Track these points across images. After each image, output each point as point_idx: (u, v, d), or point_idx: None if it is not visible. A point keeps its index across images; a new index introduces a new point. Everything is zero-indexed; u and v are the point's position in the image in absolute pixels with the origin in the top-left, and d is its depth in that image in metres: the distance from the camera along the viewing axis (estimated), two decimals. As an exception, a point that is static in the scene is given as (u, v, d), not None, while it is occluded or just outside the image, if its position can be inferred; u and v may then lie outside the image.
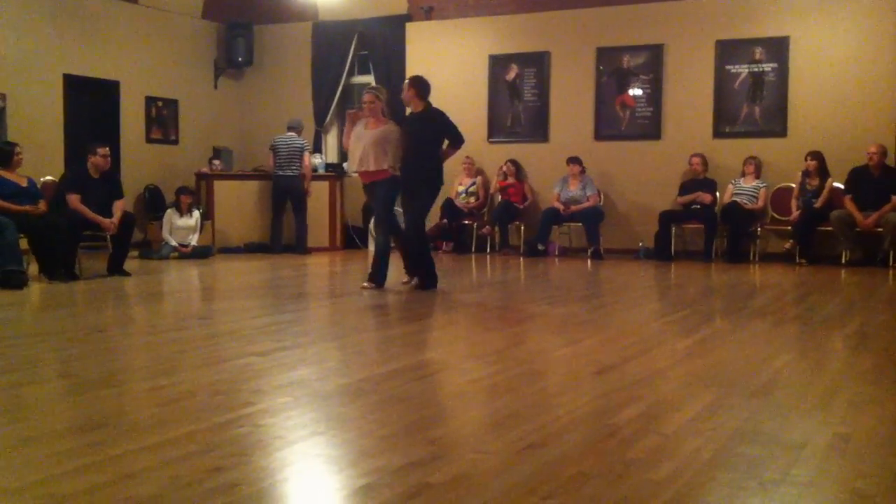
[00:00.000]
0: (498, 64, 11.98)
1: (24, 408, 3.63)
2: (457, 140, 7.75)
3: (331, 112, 13.02)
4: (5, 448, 3.00)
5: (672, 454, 2.91)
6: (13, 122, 10.39)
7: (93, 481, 2.62)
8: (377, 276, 7.61)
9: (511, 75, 11.94)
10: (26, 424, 3.34)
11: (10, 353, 4.79)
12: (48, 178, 9.31)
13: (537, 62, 11.77)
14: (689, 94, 11.05)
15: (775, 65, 10.64)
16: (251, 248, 11.66)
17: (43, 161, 10.11)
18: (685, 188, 10.76)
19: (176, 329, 5.82)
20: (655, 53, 11.17)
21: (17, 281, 7.39)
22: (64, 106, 11.09)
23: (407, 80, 7.89)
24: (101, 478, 2.65)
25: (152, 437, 3.09)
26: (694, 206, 10.62)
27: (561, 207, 11.03)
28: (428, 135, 7.59)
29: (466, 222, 11.77)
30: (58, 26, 10.97)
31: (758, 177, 10.56)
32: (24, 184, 8.22)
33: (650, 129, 11.26)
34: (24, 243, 7.89)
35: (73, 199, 8.30)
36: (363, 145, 7.46)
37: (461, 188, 11.79)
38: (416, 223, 7.66)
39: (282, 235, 11.58)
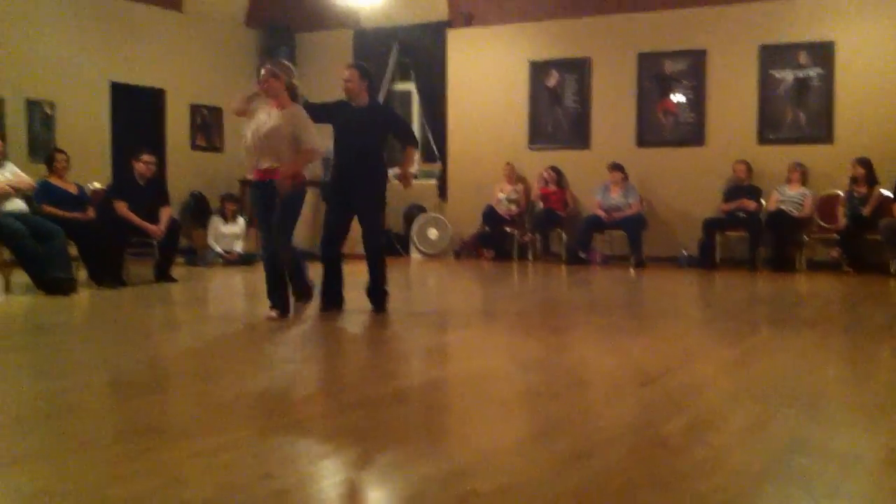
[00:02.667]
0: (538, 70, 11.97)
1: (74, 413, 3.68)
2: (410, 139, 6.73)
3: (372, 119, 13.08)
4: (56, 453, 3.05)
5: (721, 466, 2.88)
6: (61, 130, 10.59)
7: (143, 486, 2.66)
8: (284, 301, 6.16)
9: (552, 81, 11.92)
10: (76, 429, 3.39)
11: (59, 358, 4.88)
12: (96, 184, 9.47)
13: (578, 68, 11.74)
14: (733, 99, 10.95)
15: (820, 70, 10.50)
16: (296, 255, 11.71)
17: (90, 168, 10.28)
18: (729, 195, 10.65)
19: (222, 335, 5.88)
20: (698, 59, 11.08)
21: (66, 287, 7.52)
22: (111, 113, 11.28)
23: (353, 66, 6.56)
24: (151, 483, 2.69)
25: (201, 443, 3.13)
26: (738, 214, 10.51)
27: (603, 215, 10.97)
28: (376, 133, 6.50)
29: (507, 229, 11.76)
30: (104, 35, 11.16)
31: (803, 184, 10.43)
32: (74, 191, 8.38)
33: (693, 135, 11.17)
34: (72, 249, 8.03)
35: (121, 206, 8.43)
36: (267, 134, 6.01)
37: (502, 195, 11.78)
38: (377, 242, 6.57)
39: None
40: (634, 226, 10.84)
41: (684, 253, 10.74)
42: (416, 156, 7.14)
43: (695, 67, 11.12)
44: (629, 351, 5.13)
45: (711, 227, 10.55)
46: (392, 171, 7.23)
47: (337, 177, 6.49)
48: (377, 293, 6.56)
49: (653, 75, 11.34)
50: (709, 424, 3.46)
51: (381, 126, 6.57)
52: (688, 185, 11.11)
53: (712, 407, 3.79)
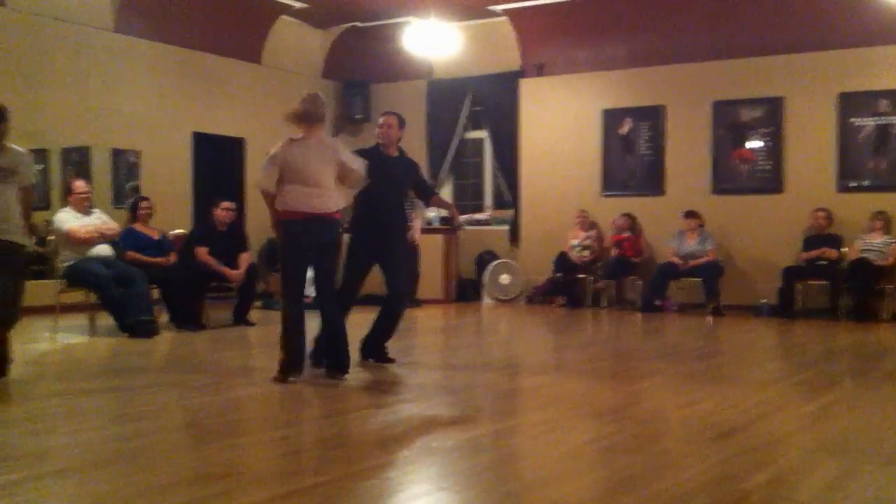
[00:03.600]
0: (611, 118, 11.96)
1: (151, 456, 3.76)
2: (431, 189, 6.83)
3: (445, 167, 13.23)
4: (132, 496, 3.12)
5: (805, 524, 2.81)
6: (146, 177, 10.96)
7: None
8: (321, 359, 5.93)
9: (625, 129, 11.90)
10: (152, 473, 3.47)
11: (137, 400, 5.01)
12: (179, 230, 9.74)
13: (652, 116, 11.71)
14: (811, 147, 10.77)
15: (902, 117, 10.28)
16: (368, 301, 11.82)
17: (173, 214, 10.59)
18: (809, 243, 10.42)
19: (298, 380, 5.94)
20: (774, 106, 10.95)
21: (147, 330, 7.73)
22: (193, 162, 11.64)
23: (392, 113, 6.48)
24: (232, 526, 2.74)
25: (277, 489, 3.17)
26: (819, 262, 10.27)
27: (678, 262, 10.84)
28: (407, 183, 6.47)
29: (580, 276, 11.69)
30: (187, 87, 11.56)
31: (887, 232, 10.16)
32: (156, 237, 8.64)
33: (771, 182, 11.01)
34: (154, 294, 8.25)
35: (201, 252, 8.65)
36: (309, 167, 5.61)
37: (575, 242, 11.74)
38: (406, 291, 6.50)
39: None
40: (711, 273, 10.67)
41: (763, 302, 10.52)
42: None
43: (771, 115, 10.99)
44: (706, 402, 5.03)
45: (791, 275, 10.33)
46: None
47: (367, 225, 6.21)
48: (382, 348, 6.33)
49: (728, 123, 11.24)
50: (792, 480, 3.38)
51: (411, 177, 6.48)
52: (765, 232, 10.92)
53: (793, 462, 3.70)
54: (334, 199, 5.64)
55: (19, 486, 3.17)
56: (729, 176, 11.25)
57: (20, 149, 5.53)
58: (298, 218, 5.57)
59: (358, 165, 5.75)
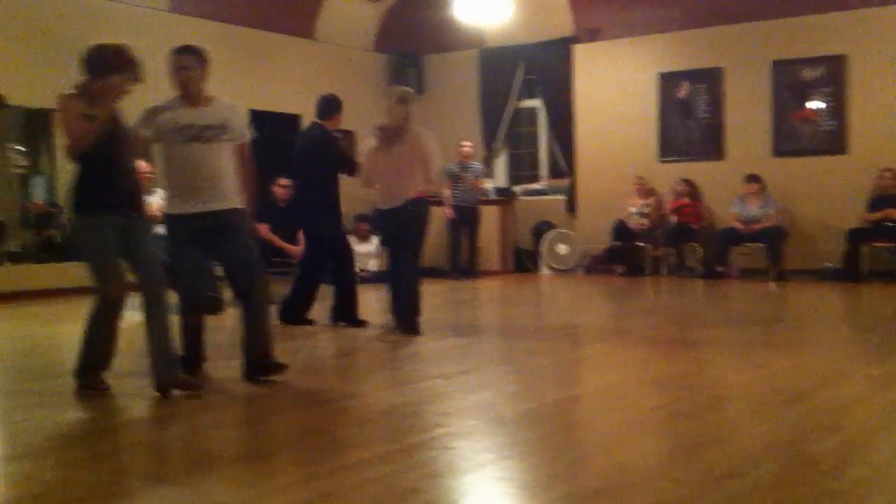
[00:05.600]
0: (668, 82, 11.77)
1: (222, 429, 3.85)
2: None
3: (499, 137, 13.17)
4: (203, 469, 3.21)
5: (883, 486, 2.77)
6: (206, 157, 11.11)
7: (295, 499, 2.77)
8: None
9: (682, 93, 11.71)
10: (222, 445, 3.56)
11: (203, 376, 5.11)
12: (238, 208, 9.86)
13: (710, 78, 11.49)
14: (876, 105, 10.48)
15: (972, 71, 9.95)
16: (427, 273, 11.89)
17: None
18: (875, 204, 10.18)
19: (363, 350, 6.03)
20: (837, 65, 10.67)
21: (214, 306, 7.85)
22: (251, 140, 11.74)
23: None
24: (302, 496, 2.80)
25: (350, 457, 3.23)
26: (885, 224, 10.03)
27: (740, 226, 10.68)
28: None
29: (639, 244, 11.59)
30: (243, 65, 11.65)
31: (955, 190, 9.87)
32: (218, 214, 8.77)
33: (834, 143, 10.75)
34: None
35: (263, 229, 8.76)
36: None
37: (633, 209, 11.63)
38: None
39: (460, 259, 11.74)
40: (774, 237, 10.49)
41: (828, 265, 10.33)
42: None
43: (834, 74, 10.71)
44: (771, 368, 4.98)
45: (856, 238, 10.11)
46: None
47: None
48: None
49: (789, 83, 10.98)
50: (865, 443, 3.33)
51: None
52: (829, 194, 10.69)
53: (867, 425, 3.64)
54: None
55: (93, 458, 3.27)
56: (791, 137, 11.01)
57: (228, 101, 5.03)
58: None
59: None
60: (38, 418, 3.97)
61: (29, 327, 7.62)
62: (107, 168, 4.30)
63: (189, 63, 5.02)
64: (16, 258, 10.01)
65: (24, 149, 10.45)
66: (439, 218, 12.00)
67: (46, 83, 9.82)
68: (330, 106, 7.09)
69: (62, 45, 9.90)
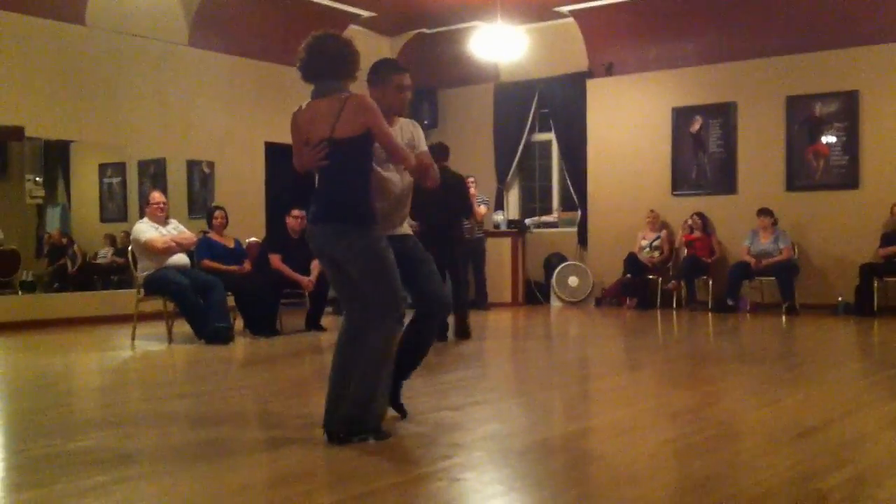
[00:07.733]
0: (681, 116, 11.83)
1: (230, 459, 3.84)
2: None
3: (512, 169, 13.24)
4: (213, 499, 3.21)
5: (889, 524, 2.75)
6: (220, 188, 11.23)
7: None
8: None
9: (695, 127, 11.76)
10: (232, 475, 3.56)
11: (218, 405, 5.13)
12: (252, 238, 9.95)
13: (723, 113, 11.54)
14: (889, 141, 10.49)
15: None
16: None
17: (247, 223, 10.82)
18: (887, 239, 10.15)
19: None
20: (850, 100, 10.70)
21: (224, 337, 7.92)
22: (266, 171, 11.87)
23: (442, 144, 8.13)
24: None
25: (355, 488, 3.22)
26: (898, 259, 9.99)
27: (752, 261, 10.66)
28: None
29: (650, 277, 11.58)
30: (260, 98, 11.79)
31: (970, 226, 9.84)
32: (231, 245, 8.84)
33: (847, 178, 10.75)
34: (230, 301, 8.44)
35: (275, 259, 8.81)
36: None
37: (644, 242, 11.64)
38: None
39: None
40: (786, 272, 10.47)
41: (840, 300, 10.28)
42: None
43: (847, 109, 10.73)
44: (783, 402, 4.95)
45: (869, 272, 10.07)
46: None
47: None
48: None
49: (802, 118, 11.02)
50: (874, 479, 3.31)
51: None
52: (842, 229, 10.67)
53: (874, 461, 3.62)
54: None
55: (109, 486, 3.29)
56: (803, 172, 11.03)
57: (409, 120, 4.58)
58: None
59: None
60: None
61: (42, 357, 7.66)
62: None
63: (410, 84, 4.55)
64: (28, 287, 10.09)
65: (40, 179, 10.57)
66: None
67: (66, 114, 10.01)
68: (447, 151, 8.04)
69: (83, 77, 10.08)
